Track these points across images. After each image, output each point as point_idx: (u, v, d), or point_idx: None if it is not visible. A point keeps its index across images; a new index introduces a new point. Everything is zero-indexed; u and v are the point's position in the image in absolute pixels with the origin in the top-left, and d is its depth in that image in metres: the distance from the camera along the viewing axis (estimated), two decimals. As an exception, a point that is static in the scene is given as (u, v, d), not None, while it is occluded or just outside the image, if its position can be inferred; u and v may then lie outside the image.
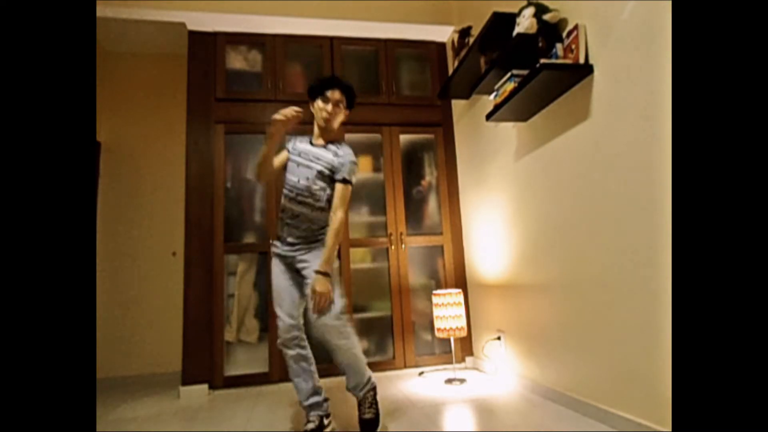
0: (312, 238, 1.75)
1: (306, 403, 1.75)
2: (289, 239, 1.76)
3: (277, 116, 1.64)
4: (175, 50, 3.39)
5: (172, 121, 3.45)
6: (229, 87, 2.95)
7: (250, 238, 2.87)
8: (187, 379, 2.59)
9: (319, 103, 1.79)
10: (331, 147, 1.80)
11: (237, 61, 3.03)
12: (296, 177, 1.76)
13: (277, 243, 1.81)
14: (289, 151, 1.85)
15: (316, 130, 1.85)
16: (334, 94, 1.77)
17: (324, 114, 1.77)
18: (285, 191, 1.78)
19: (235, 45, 3.03)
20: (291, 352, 1.75)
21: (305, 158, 1.78)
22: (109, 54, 3.45)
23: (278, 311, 1.76)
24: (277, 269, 1.79)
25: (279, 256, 1.80)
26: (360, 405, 1.76)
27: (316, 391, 1.77)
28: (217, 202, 2.81)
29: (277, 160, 1.84)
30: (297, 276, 1.77)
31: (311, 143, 1.84)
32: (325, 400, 1.79)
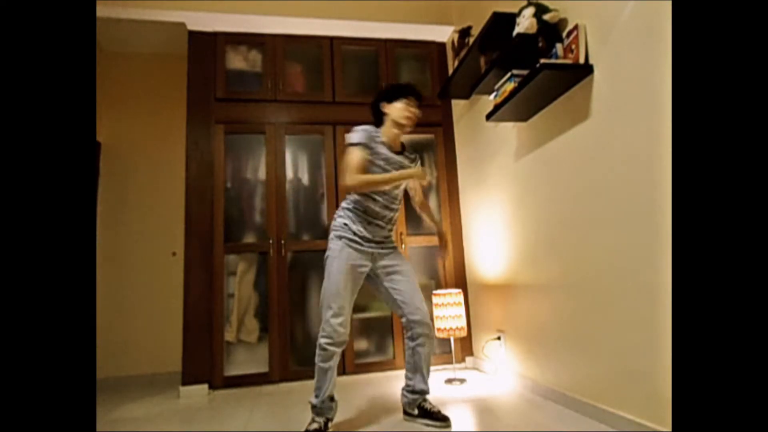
0: (392, 238, 1.92)
1: (318, 404, 1.75)
2: (376, 238, 1.83)
3: (425, 180, 1.82)
4: (175, 50, 3.38)
5: (172, 121, 3.45)
6: (229, 87, 2.95)
7: (250, 238, 2.87)
8: (187, 379, 2.59)
9: (401, 104, 1.83)
10: (406, 154, 1.93)
11: (237, 61, 3.03)
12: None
13: (359, 239, 1.79)
14: (371, 155, 1.81)
15: (390, 132, 1.87)
16: (414, 101, 1.86)
17: (409, 114, 1.83)
18: (374, 196, 1.81)
19: (235, 45, 3.03)
20: (338, 351, 1.74)
21: (394, 167, 1.83)
22: (109, 54, 3.45)
23: (340, 309, 1.72)
24: (350, 266, 1.76)
25: (361, 252, 1.79)
26: (426, 407, 1.86)
27: (332, 396, 1.77)
28: (217, 202, 2.81)
29: (362, 165, 1.80)
30: (365, 277, 1.84)
31: (390, 149, 1.86)
32: (335, 405, 1.80)
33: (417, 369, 1.87)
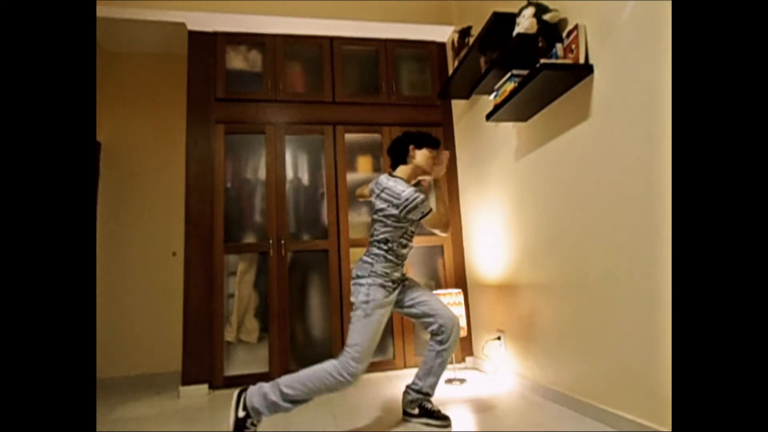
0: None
1: (282, 404, 1.66)
2: (401, 278, 1.89)
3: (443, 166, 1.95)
4: (175, 50, 3.39)
5: (172, 121, 3.45)
6: (229, 87, 2.95)
7: (250, 238, 2.87)
8: (187, 379, 2.59)
9: (430, 153, 1.90)
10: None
11: (237, 61, 3.03)
12: (413, 226, 1.86)
13: (392, 283, 1.82)
14: None
15: (411, 174, 1.91)
16: (442, 153, 1.96)
17: (434, 163, 1.93)
18: (405, 241, 1.85)
19: (235, 45, 3.03)
20: (353, 382, 1.68)
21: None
22: (109, 54, 3.45)
23: (369, 352, 1.70)
24: (386, 312, 1.78)
25: (393, 294, 1.82)
26: (427, 407, 1.88)
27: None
28: (217, 202, 2.81)
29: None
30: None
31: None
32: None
33: (432, 373, 1.88)
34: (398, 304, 1.89)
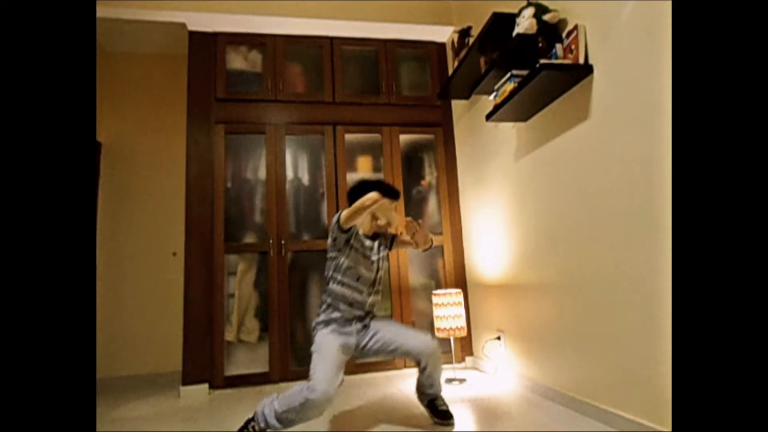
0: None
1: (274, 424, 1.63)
2: (352, 318, 1.83)
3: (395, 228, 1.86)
4: (175, 50, 3.39)
5: (172, 121, 3.45)
6: (230, 87, 2.96)
7: (250, 238, 2.87)
8: (188, 378, 2.59)
9: (390, 203, 1.81)
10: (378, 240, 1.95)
11: (237, 61, 3.03)
12: (347, 257, 1.82)
13: (339, 329, 1.79)
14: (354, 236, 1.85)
15: (365, 221, 1.88)
16: (394, 203, 1.86)
17: (392, 215, 1.85)
18: (336, 275, 1.82)
19: (236, 45, 3.03)
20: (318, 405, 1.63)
21: (366, 251, 1.87)
22: (109, 54, 3.45)
23: (325, 380, 1.62)
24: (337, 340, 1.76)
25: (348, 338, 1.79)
26: (435, 402, 1.89)
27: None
28: (217, 202, 2.81)
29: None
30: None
31: (364, 234, 1.89)
32: None
33: (433, 383, 1.87)
34: (365, 350, 1.82)
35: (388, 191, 1.77)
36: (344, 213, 1.74)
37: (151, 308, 3.27)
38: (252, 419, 1.68)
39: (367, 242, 1.88)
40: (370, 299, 1.86)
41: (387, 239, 1.98)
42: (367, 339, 1.82)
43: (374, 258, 1.88)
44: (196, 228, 2.76)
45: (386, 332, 1.82)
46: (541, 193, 2.15)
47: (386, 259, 1.98)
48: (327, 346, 1.70)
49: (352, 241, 1.81)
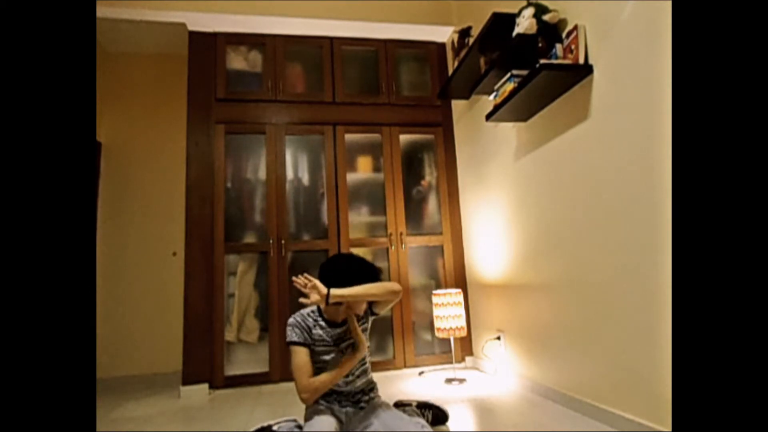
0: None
1: None
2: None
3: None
4: (175, 50, 3.39)
5: (172, 121, 3.45)
6: (230, 87, 2.96)
7: (250, 238, 2.87)
8: (188, 378, 2.59)
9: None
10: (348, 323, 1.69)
11: (237, 61, 3.03)
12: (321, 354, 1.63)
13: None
14: (312, 344, 1.63)
15: (334, 309, 1.64)
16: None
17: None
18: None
19: (236, 45, 3.03)
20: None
21: (334, 343, 1.64)
22: (109, 54, 3.45)
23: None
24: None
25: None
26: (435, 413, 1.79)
27: None
28: (217, 202, 2.81)
29: (307, 365, 1.59)
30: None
31: (329, 324, 1.65)
32: None
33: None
34: None
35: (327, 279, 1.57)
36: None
37: (151, 308, 3.27)
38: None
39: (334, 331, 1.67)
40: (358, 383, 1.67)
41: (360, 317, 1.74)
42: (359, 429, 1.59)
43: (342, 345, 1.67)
44: (196, 228, 2.76)
45: (374, 422, 1.57)
46: (541, 193, 2.15)
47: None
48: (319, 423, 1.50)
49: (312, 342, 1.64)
